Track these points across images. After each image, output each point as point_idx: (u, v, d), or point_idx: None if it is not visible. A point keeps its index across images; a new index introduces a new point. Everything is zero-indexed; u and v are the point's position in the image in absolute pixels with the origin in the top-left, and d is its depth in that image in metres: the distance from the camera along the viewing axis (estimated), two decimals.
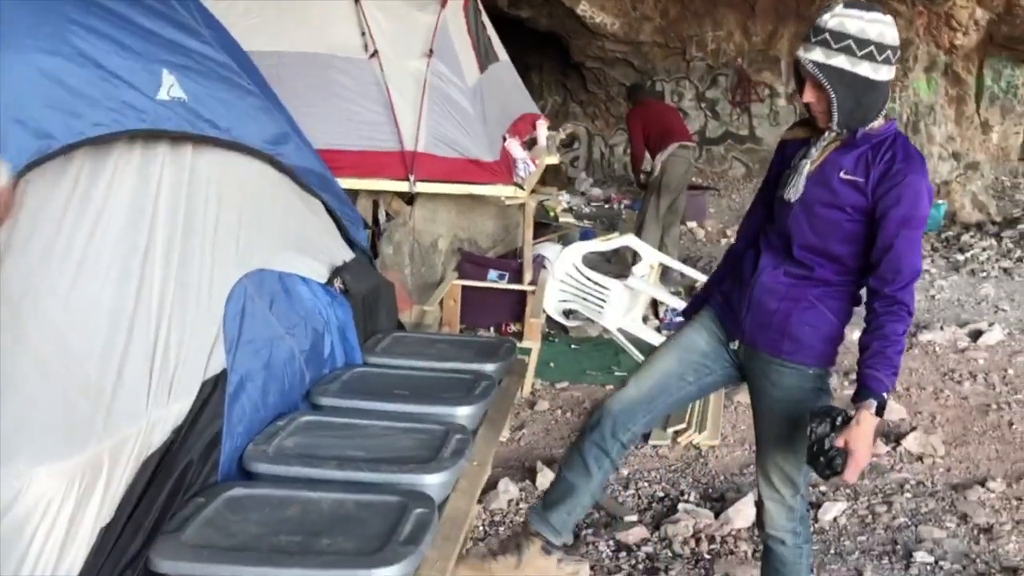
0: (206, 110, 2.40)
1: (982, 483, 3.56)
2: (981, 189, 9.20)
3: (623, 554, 2.97)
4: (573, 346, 4.91)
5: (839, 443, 1.96)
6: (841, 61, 1.97)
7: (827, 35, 1.98)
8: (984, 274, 6.89)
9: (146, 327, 1.94)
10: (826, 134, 2.09)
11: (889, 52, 2.00)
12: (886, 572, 2.92)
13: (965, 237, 7.97)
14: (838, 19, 1.98)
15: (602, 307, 4.68)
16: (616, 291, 4.65)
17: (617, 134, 12.22)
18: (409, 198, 4.27)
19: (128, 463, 1.77)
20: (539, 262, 4.60)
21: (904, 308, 2.00)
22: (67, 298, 1.78)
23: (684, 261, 7.12)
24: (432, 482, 1.99)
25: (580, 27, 10.98)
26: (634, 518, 3.22)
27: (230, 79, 2.69)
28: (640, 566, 2.92)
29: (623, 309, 4.73)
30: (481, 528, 3.12)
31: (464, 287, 4.30)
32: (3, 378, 1.56)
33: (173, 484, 1.85)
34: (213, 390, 2.07)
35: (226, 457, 2.05)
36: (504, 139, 4.35)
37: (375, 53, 4.03)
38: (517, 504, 3.30)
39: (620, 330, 4.74)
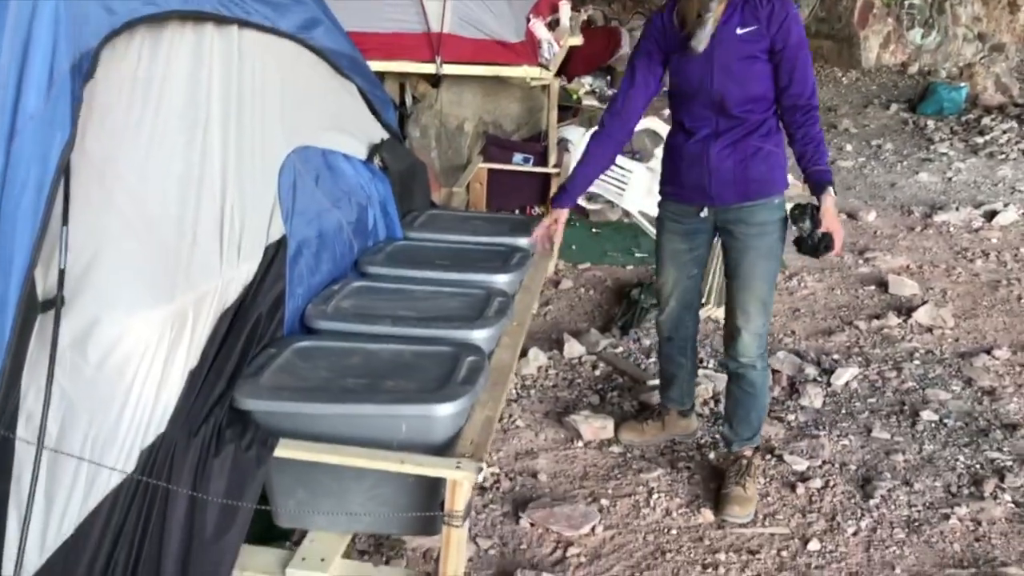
0: None
1: (988, 351, 3.75)
2: (1005, 71, 9.11)
3: (645, 412, 3.20)
4: (594, 229, 5.06)
5: (822, 229, 2.43)
6: None
7: None
8: (1003, 156, 6.93)
9: (212, 194, 2.11)
10: None
11: None
12: (893, 429, 3.14)
13: (986, 120, 7.96)
14: None
15: (623, 190, 4.80)
16: (637, 173, 4.77)
17: (634, 18, 12.01)
18: (435, 81, 4.35)
19: (208, 316, 1.97)
20: (563, 145, 4.70)
21: (816, 109, 2.45)
22: (142, 166, 1.93)
23: None
24: (480, 336, 2.19)
25: None
26: (655, 382, 3.44)
27: None
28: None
29: (644, 191, 4.84)
30: (513, 391, 3.35)
31: (490, 170, 4.43)
32: (97, 235, 1.73)
33: (247, 336, 2.06)
34: (276, 254, 2.25)
35: (290, 315, 2.26)
36: (528, 20, 4.39)
37: None
38: (546, 371, 3.52)
39: (641, 212, 4.87)
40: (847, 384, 3.47)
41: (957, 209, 5.63)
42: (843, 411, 3.27)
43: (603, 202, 5.01)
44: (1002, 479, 2.81)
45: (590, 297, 4.32)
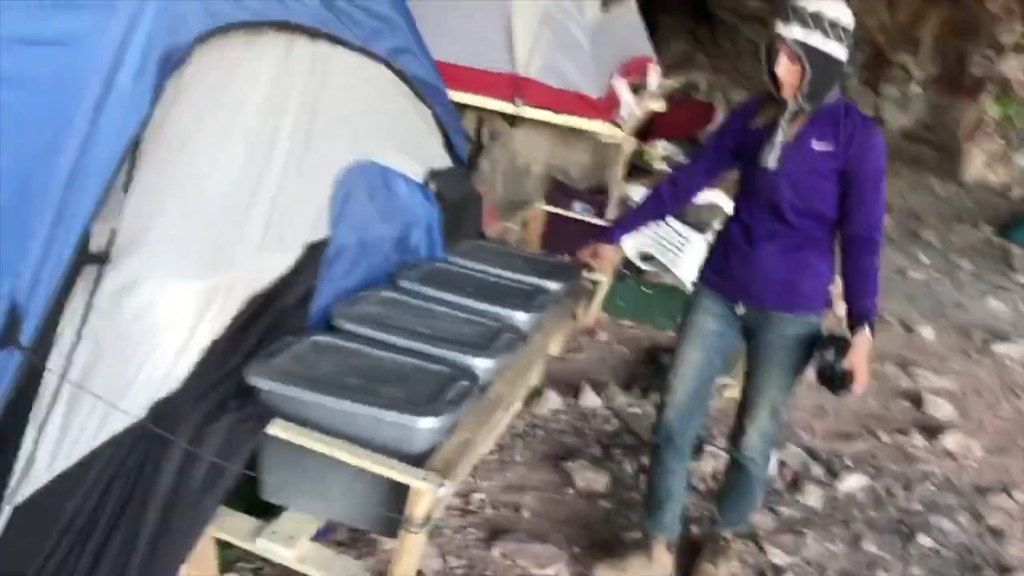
0: (340, 16, 2.77)
1: (1008, 491, 3.74)
2: None
3: (643, 476, 3.32)
4: (644, 289, 5.20)
5: (846, 365, 2.33)
6: (817, 40, 2.25)
7: (806, 16, 2.25)
8: None
9: (267, 188, 2.36)
10: (790, 105, 2.34)
11: (850, 36, 2.31)
12: (885, 545, 3.18)
13: None
14: (817, 4, 2.26)
15: (679, 256, 4.94)
16: (695, 243, 4.90)
17: (738, 92, 12.15)
18: (512, 120, 4.59)
19: (238, 296, 2.20)
20: (625, 203, 4.87)
21: (877, 244, 2.39)
22: (210, 155, 2.20)
23: None
24: (480, 365, 2.37)
25: None
26: None
27: None
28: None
29: (698, 262, 4.97)
30: (522, 427, 3.51)
31: (549, 213, 4.63)
32: (154, 207, 1.99)
33: (271, 321, 2.29)
34: (313, 252, 2.48)
35: (316, 310, 2.48)
36: (613, 78, 4.60)
37: None
38: (557, 415, 3.67)
39: (692, 283, 4.99)
40: (851, 491, 3.52)
41: (1018, 343, 5.58)
42: (839, 516, 3.33)
43: (658, 265, 5.15)
44: None
45: (622, 353, 4.46)
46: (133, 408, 1.95)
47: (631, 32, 5.40)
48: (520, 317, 2.77)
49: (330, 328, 2.46)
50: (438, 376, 2.25)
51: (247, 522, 2.14)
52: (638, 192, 5.04)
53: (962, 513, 3.51)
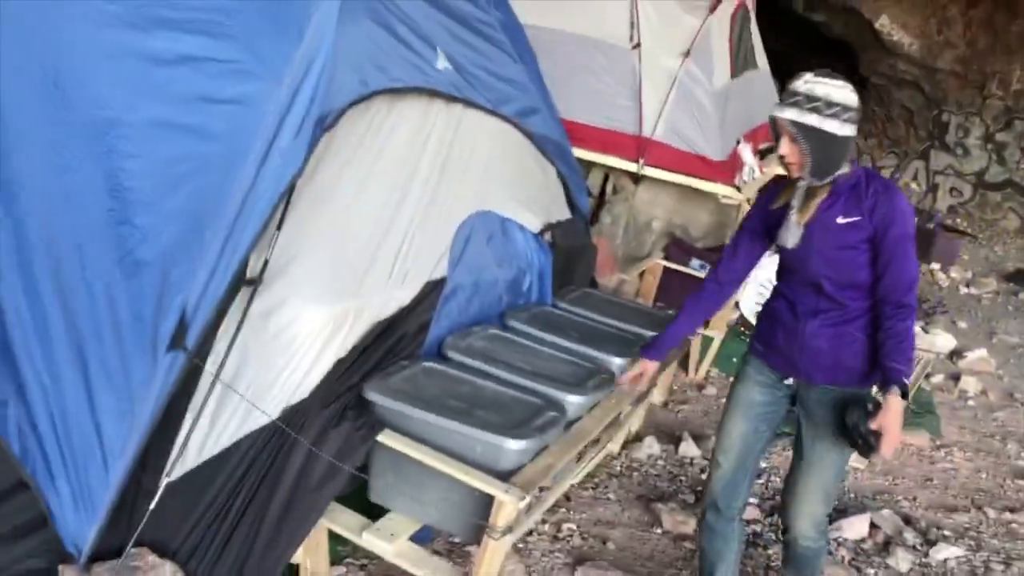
0: (473, 81, 3.15)
1: None
2: None
3: None
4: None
5: (873, 426, 2.33)
6: (812, 119, 2.31)
7: (800, 97, 2.33)
8: None
9: (397, 231, 2.73)
10: (799, 183, 2.43)
11: (852, 113, 2.33)
12: None
13: None
14: (809, 85, 2.32)
15: None
16: None
17: (887, 157, 11.95)
18: (636, 178, 4.86)
19: (364, 322, 2.56)
20: None
21: (910, 308, 2.39)
22: (352, 198, 2.59)
23: None
24: (570, 400, 2.63)
25: (874, 41, 10.77)
26: (754, 501, 3.68)
27: (499, 58, 3.42)
28: (745, 539, 3.39)
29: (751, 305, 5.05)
30: (619, 468, 3.72)
31: (666, 267, 4.84)
32: (300, 242, 2.38)
33: (390, 346, 2.64)
34: (432, 289, 2.83)
35: (430, 340, 2.82)
36: (738, 142, 4.80)
37: (638, 45, 4.62)
38: (655, 460, 3.86)
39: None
40: (945, 561, 3.52)
41: None
42: None
43: None
44: None
45: None
46: (269, 410, 2.32)
47: (762, 96, 5.58)
48: (617, 362, 3.02)
49: (441, 357, 2.79)
50: (530, 406, 2.53)
51: (356, 519, 2.47)
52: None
53: None
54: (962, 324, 7.00)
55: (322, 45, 2.31)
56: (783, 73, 9.56)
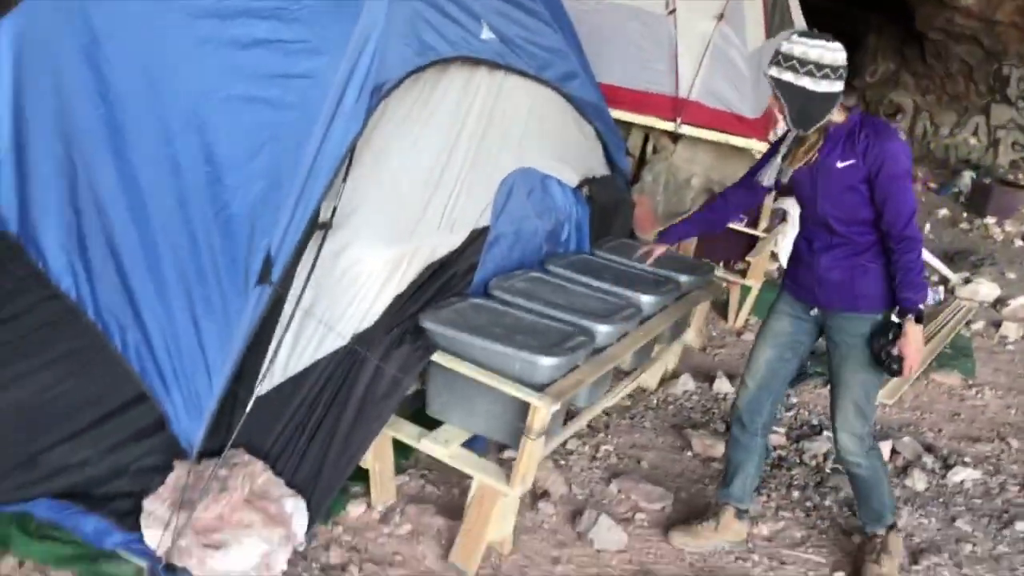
0: (515, 50, 3.52)
1: None
2: None
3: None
4: None
5: (895, 352, 2.72)
6: (788, 76, 2.62)
7: (780, 56, 2.64)
8: None
9: (447, 184, 3.14)
10: (788, 132, 2.77)
11: (828, 70, 2.59)
12: (979, 526, 3.48)
13: None
14: (788, 45, 2.64)
15: None
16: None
17: (947, 113, 11.89)
18: (675, 137, 5.18)
19: (418, 263, 2.99)
20: (779, 214, 5.31)
21: (912, 240, 2.69)
22: (404, 157, 3.00)
23: (954, 255, 7.32)
24: (599, 329, 3.02)
25: None
26: (781, 430, 4.02)
27: (539, 28, 3.78)
28: (769, 460, 3.74)
29: None
30: (656, 401, 4.10)
31: None
32: (361, 193, 2.80)
33: (441, 285, 3.06)
34: (478, 236, 3.24)
35: (477, 280, 3.23)
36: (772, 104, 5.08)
37: (673, 11, 4.93)
38: (689, 395, 4.23)
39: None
40: (961, 483, 3.81)
41: None
42: (940, 500, 3.66)
43: None
44: None
45: None
46: (342, 336, 2.77)
47: None
48: (646, 299, 3.39)
49: (488, 295, 3.20)
50: (563, 332, 2.92)
51: (416, 429, 2.91)
52: (792, 205, 5.46)
53: None
54: (1011, 275, 7.13)
55: (376, 23, 2.72)
56: (839, 32, 9.71)
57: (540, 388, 2.71)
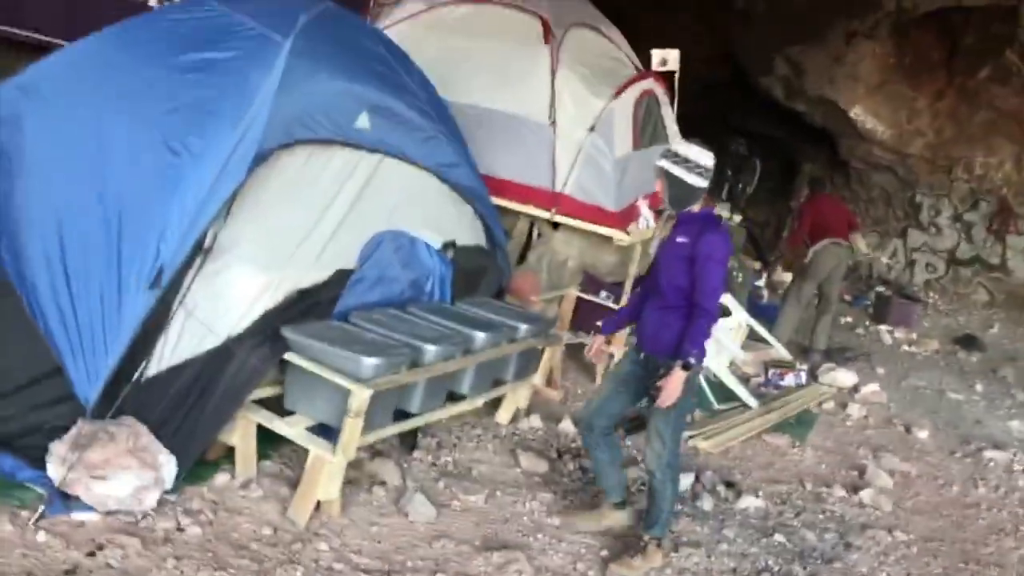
0: (393, 139, 4.56)
1: (891, 531, 4.69)
2: None
3: (582, 471, 4.65)
4: None
5: (658, 384, 3.64)
6: (672, 168, 3.68)
7: (670, 153, 3.72)
8: None
9: (320, 231, 4.12)
10: (664, 212, 3.76)
11: (701, 169, 3.65)
12: (741, 535, 4.30)
13: None
14: (676, 144, 3.74)
15: None
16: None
17: (870, 235, 12.95)
18: (554, 225, 6.22)
19: (288, 287, 3.94)
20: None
21: (705, 311, 3.58)
22: (287, 205, 4.00)
23: (833, 350, 8.24)
24: (427, 348, 3.95)
25: (851, 129, 11.95)
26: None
27: (422, 124, 4.83)
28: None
29: (711, 352, 6.27)
30: (504, 432, 4.96)
31: (579, 297, 6.14)
32: (244, 228, 3.79)
33: (307, 307, 4.01)
34: (344, 275, 4.21)
35: (338, 310, 4.18)
36: (637, 199, 6.16)
37: (554, 122, 6.06)
38: (535, 430, 5.07)
39: (704, 368, 6.27)
40: (745, 508, 4.65)
41: (1015, 455, 6.22)
42: (720, 518, 4.49)
43: None
44: None
45: None
46: (216, 337, 3.70)
47: None
48: (477, 335, 4.33)
49: (346, 321, 4.14)
50: (393, 345, 3.85)
51: (273, 415, 3.80)
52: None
53: (833, 533, 4.54)
54: (880, 370, 8.06)
55: (263, 108, 3.78)
56: (779, 157, 11.05)
57: (365, 382, 3.63)
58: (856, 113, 11.75)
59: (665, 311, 3.74)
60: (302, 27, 4.13)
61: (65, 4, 6.28)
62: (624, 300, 6.15)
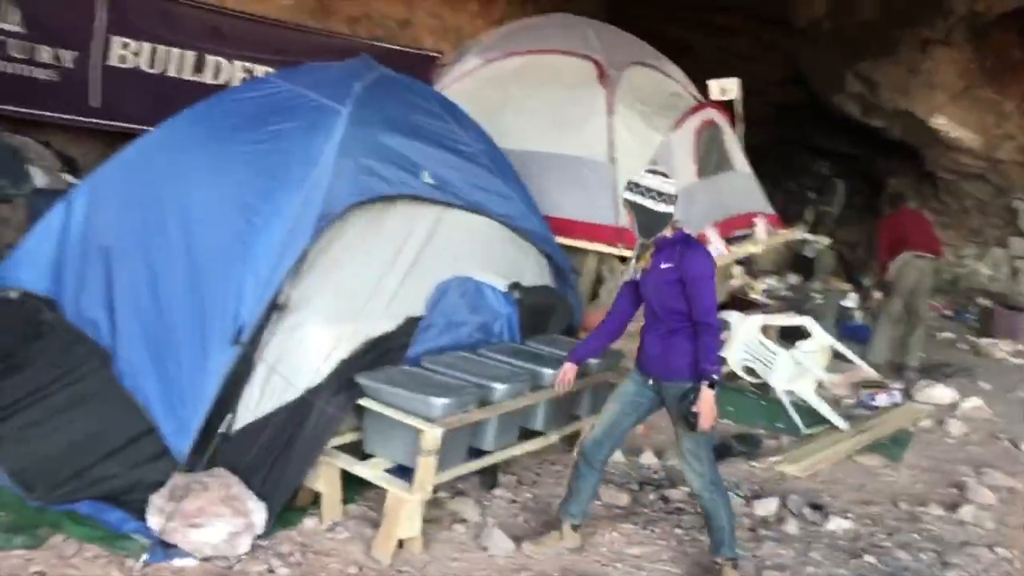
0: (455, 191, 4.79)
1: (992, 548, 4.54)
2: None
3: (660, 502, 4.68)
4: (749, 394, 6.50)
5: (694, 409, 3.68)
6: (637, 198, 3.73)
7: (632, 185, 3.76)
8: None
9: (389, 283, 4.35)
10: (637, 240, 3.83)
11: (664, 197, 3.69)
12: (828, 558, 4.24)
13: None
14: (639, 176, 3.77)
15: (770, 368, 6.24)
16: (782, 357, 6.19)
17: (968, 247, 12.58)
18: (623, 259, 6.33)
19: (360, 338, 4.17)
20: (721, 325, 6.32)
21: (708, 326, 3.66)
22: (356, 260, 4.25)
23: (929, 367, 8.02)
24: (496, 387, 4.10)
25: (934, 139, 11.68)
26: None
27: (482, 176, 5.06)
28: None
29: (789, 374, 6.23)
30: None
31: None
32: (316, 287, 4.04)
33: (379, 355, 4.22)
34: (414, 323, 4.42)
35: (409, 356, 4.38)
36: (705, 228, 6.22)
37: (614, 159, 6.20)
38: (616, 464, 5.13)
39: (789, 392, 6.24)
40: (833, 530, 4.59)
41: None
42: (807, 540, 4.44)
43: (756, 375, 6.44)
44: None
45: None
46: (297, 389, 3.94)
47: (740, 192, 6.98)
48: (546, 372, 4.45)
49: (418, 366, 4.33)
50: (461, 386, 4.02)
51: (354, 459, 4.00)
52: (733, 316, 6.47)
53: (929, 552, 4.43)
54: (985, 385, 7.80)
55: (325, 171, 4.05)
56: (862, 174, 10.94)
57: (436, 422, 3.79)
58: (939, 122, 11.48)
59: (669, 336, 3.78)
60: (358, 94, 4.42)
61: (154, 96, 6.82)
62: None
